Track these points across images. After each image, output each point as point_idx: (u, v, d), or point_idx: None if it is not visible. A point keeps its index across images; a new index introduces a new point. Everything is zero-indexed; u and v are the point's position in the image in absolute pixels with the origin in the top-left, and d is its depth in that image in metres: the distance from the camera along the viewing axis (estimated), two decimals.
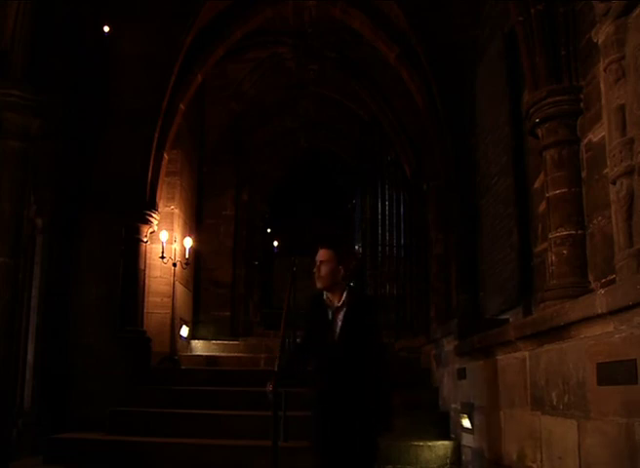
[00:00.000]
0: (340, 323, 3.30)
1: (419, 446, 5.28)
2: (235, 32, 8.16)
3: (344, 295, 3.33)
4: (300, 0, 8.49)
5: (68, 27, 6.41)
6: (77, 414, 6.24)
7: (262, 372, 6.24)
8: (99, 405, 5.99)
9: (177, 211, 8.92)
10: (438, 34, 6.87)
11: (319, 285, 3.35)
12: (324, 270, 3.35)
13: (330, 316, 3.33)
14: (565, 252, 3.98)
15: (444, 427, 5.67)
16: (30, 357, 5.92)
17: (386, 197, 10.90)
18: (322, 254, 3.37)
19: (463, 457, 5.25)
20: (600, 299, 2.72)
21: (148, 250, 7.56)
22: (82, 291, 6.80)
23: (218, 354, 9.05)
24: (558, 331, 3.18)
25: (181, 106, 7.70)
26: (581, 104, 4.03)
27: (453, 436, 5.54)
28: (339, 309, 3.32)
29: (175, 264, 8.48)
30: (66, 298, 6.67)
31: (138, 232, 7.22)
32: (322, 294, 3.40)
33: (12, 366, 5.14)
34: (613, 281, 3.33)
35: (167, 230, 8.29)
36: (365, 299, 3.69)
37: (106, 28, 6.87)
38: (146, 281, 7.58)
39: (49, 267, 6.23)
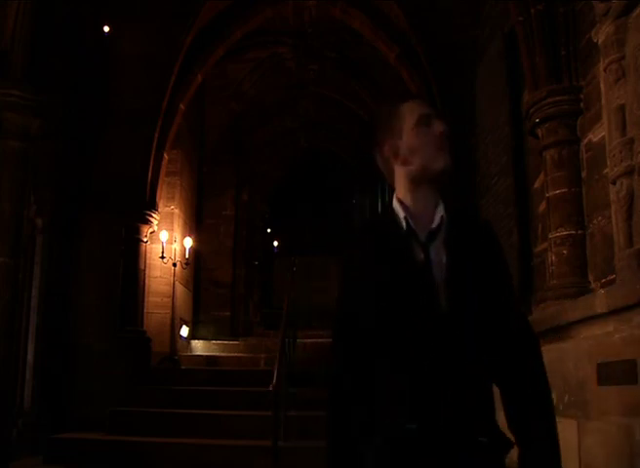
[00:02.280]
0: (444, 265, 1.50)
1: None
2: (235, 32, 8.16)
3: (440, 208, 1.56)
4: (300, 0, 8.49)
5: (68, 27, 6.40)
6: (77, 414, 6.23)
7: (262, 372, 6.25)
8: (99, 405, 5.98)
9: (177, 211, 8.92)
10: (438, 34, 6.86)
11: (441, 163, 1.55)
12: (448, 133, 1.58)
13: (418, 254, 1.51)
14: (565, 252, 3.98)
15: None
16: (30, 357, 5.92)
17: (386, 197, 10.90)
18: (431, 109, 1.62)
19: None
20: (600, 299, 2.72)
21: (148, 250, 7.56)
22: (82, 291, 6.79)
23: (218, 354, 9.05)
24: (558, 331, 3.18)
25: (181, 106, 7.70)
26: (581, 104, 4.03)
27: None
28: (433, 235, 1.52)
29: (175, 264, 8.48)
30: (66, 298, 6.66)
31: (138, 232, 7.22)
32: (387, 214, 1.61)
33: (12, 366, 5.14)
34: (613, 281, 3.33)
35: (167, 230, 8.29)
36: (480, 218, 1.78)
37: (106, 28, 6.87)
38: (146, 281, 7.58)
39: (49, 267, 6.22)
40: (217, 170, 10.67)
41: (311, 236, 16.07)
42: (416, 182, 1.57)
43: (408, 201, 1.57)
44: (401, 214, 1.55)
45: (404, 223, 1.53)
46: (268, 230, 15.26)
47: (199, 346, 9.60)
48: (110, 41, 6.97)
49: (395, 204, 1.59)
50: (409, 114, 1.58)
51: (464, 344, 1.45)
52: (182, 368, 7.82)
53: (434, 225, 1.53)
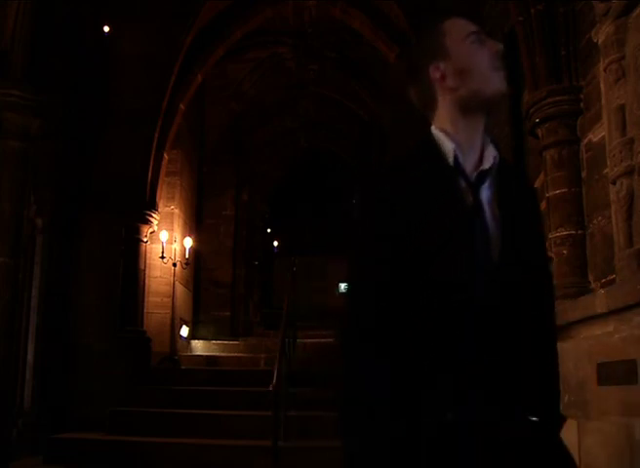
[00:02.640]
0: (497, 213, 1.25)
1: None
2: (235, 32, 8.17)
3: (492, 148, 1.31)
4: (300, 0, 8.50)
5: (68, 27, 6.40)
6: (77, 414, 6.23)
7: (262, 372, 6.24)
8: (99, 405, 5.98)
9: (177, 211, 8.92)
10: None
11: (497, 85, 1.35)
12: (504, 53, 1.37)
13: (467, 196, 1.25)
14: (565, 252, 3.98)
15: None
16: (30, 357, 5.92)
17: None
18: (480, 28, 1.41)
19: None
20: (600, 299, 2.72)
21: (148, 250, 7.56)
22: (82, 291, 6.79)
23: (218, 354, 9.05)
24: (558, 331, 3.18)
25: (181, 106, 7.70)
26: (581, 104, 4.03)
27: None
28: (483, 177, 1.27)
29: (175, 264, 8.48)
30: (66, 298, 6.66)
31: (138, 232, 7.22)
32: (425, 145, 1.32)
33: (12, 366, 5.14)
34: (613, 281, 3.33)
35: (167, 230, 8.29)
36: (527, 177, 1.51)
37: (106, 28, 6.87)
38: (146, 281, 7.58)
39: (49, 267, 6.22)
40: (217, 170, 10.67)
41: (311, 236, 16.09)
42: (464, 110, 1.31)
43: (453, 132, 1.30)
44: (449, 145, 1.28)
45: (451, 157, 1.26)
46: (268, 230, 15.28)
47: (199, 346, 9.60)
48: (110, 41, 6.97)
49: (437, 134, 1.31)
50: (456, 31, 1.36)
51: (518, 307, 1.22)
52: (182, 368, 7.82)
53: (486, 166, 1.27)
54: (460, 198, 1.23)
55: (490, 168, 1.27)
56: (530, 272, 1.26)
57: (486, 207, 1.24)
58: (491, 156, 1.28)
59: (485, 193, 1.25)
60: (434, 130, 1.33)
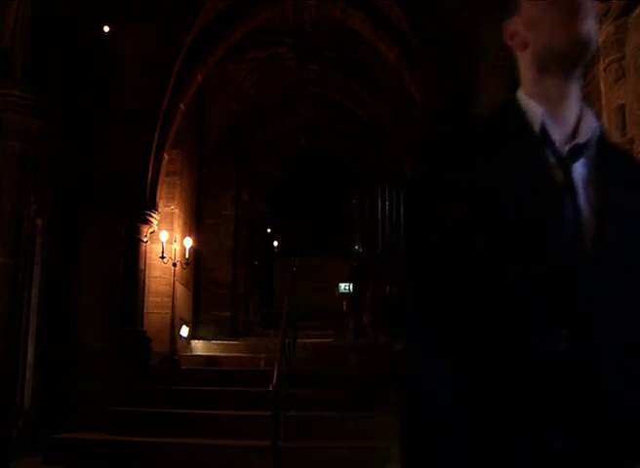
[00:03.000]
0: (594, 194, 1.01)
1: None
2: (235, 32, 8.17)
3: (590, 118, 1.09)
4: (300, 0, 8.50)
5: (68, 27, 6.40)
6: (77, 414, 6.23)
7: (262, 372, 6.25)
8: (99, 405, 5.98)
9: (177, 211, 8.92)
10: (438, 34, 6.86)
11: (567, 35, 1.03)
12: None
13: (556, 173, 1.00)
14: None
15: None
16: (30, 357, 5.92)
17: (386, 197, 10.90)
18: None
19: None
20: None
21: (148, 250, 7.56)
22: (82, 291, 6.79)
23: (218, 354, 9.05)
24: None
25: (181, 106, 7.70)
26: None
27: None
28: (577, 153, 1.02)
29: (175, 264, 8.48)
30: (66, 298, 6.66)
31: (138, 232, 7.22)
32: (507, 109, 1.10)
33: (12, 366, 5.14)
34: None
35: (167, 230, 8.29)
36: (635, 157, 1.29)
37: (106, 28, 6.87)
38: (146, 281, 7.57)
39: (49, 267, 6.22)
40: (217, 170, 10.68)
41: (311, 236, 16.11)
42: (541, 70, 1.09)
43: (536, 98, 1.07)
44: (537, 109, 1.05)
45: (537, 124, 1.04)
46: (268, 230, 15.29)
47: (199, 346, 9.60)
48: (110, 41, 6.97)
49: (522, 97, 1.09)
50: None
51: (616, 311, 0.97)
52: (182, 368, 7.82)
53: (581, 140, 1.03)
54: (547, 174, 1.00)
55: (586, 142, 1.03)
56: (633, 272, 1.00)
57: (579, 188, 1.00)
58: (589, 128, 1.05)
59: (579, 171, 1.01)
60: (519, 93, 1.11)
